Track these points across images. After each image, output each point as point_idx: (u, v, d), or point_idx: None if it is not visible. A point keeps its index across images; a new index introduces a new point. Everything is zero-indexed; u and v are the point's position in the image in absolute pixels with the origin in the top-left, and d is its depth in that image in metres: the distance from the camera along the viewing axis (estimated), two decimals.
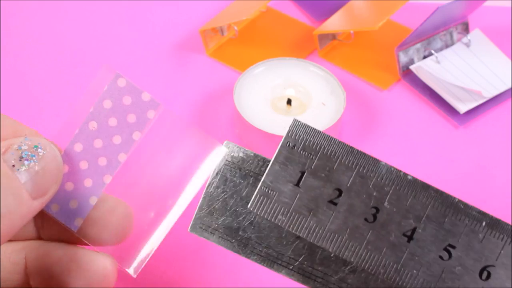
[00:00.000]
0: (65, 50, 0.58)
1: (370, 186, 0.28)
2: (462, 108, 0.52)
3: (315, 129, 0.29)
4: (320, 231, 0.29)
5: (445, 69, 0.55)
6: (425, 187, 0.28)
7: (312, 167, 0.29)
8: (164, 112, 0.30)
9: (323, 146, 0.29)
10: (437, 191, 0.28)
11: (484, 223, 0.28)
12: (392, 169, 0.29)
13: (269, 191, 0.29)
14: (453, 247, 0.27)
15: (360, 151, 0.29)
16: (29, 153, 0.28)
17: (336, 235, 0.28)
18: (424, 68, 0.54)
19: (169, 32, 0.59)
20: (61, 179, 0.29)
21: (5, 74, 0.55)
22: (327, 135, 0.29)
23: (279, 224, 0.29)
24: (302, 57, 0.56)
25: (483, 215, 0.28)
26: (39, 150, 0.28)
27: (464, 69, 0.55)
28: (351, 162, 0.29)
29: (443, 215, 0.28)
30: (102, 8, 0.61)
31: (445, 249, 0.28)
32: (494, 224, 0.28)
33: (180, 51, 0.58)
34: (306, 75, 0.52)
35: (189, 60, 0.57)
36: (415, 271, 0.28)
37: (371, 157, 0.29)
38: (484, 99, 0.53)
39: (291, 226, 0.29)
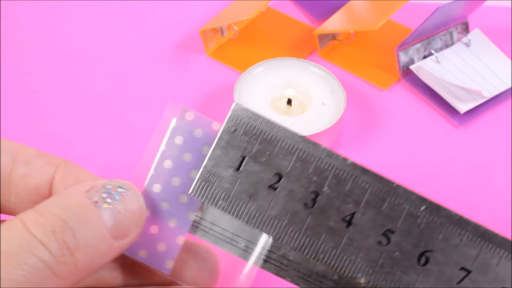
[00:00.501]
0: (65, 50, 0.58)
1: (310, 171, 0.28)
2: (462, 108, 0.52)
3: (256, 113, 0.29)
4: (260, 217, 0.29)
5: (445, 69, 0.55)
6: (365, 171, 0.28)
7: (253, 151, 0.29)
8: None
9: (264, 131, 0.28)
10: (376, 175, 0.28)
11: (423, 208, 0.27)
12: (332, 153, 0.28)
13: (210, 176, 0.29)
14: (392, 232, 0.27)
15: (301, 135, 0.28)
16: (113, 192, 0.28)
17: (276, 221, 0.28)
18: (424, 68, 0.54)
19: (169, 32, 0.59)
20: (143, 222, 0.29)
21: (5, 74, 0.55)
22: (269, 120, 0.29)
23: (219, 209, 0.29)
24: (302, 57, 0.56)
25: (422, 200, 0.27)
26: (123, 190, 0.28)
27: (464, 69, 0.55)
28: (291, 146, 0.28)
29: (382, 200, 0.27)
30: (102, 8, 0.61)
31: (384, 234, 0.27)
32: (433, 208, 0.27)
33: (180, 51, 0.58)
34: (306, 75, 0.52)
35: (189, 60, 0.57)
36: (353, 257, 0.27)
37: (311, 141, 0.28)
38: (484, 99, 0.53)
39: (232, 211, 0.29)
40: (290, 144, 0.28)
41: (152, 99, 0.54)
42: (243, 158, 0.29)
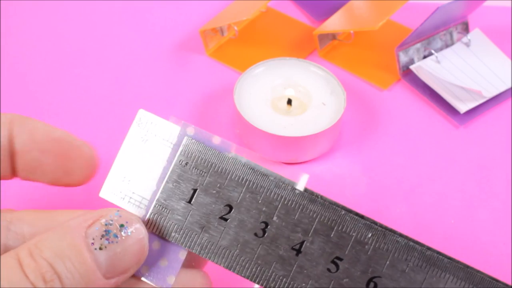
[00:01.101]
0: (65, 50, 0.58)
1: (260, 201, 0.29)
2: (462, 107, 0.52)
3: (207, 146, 0.30)
4: (212, 247, 0.29)
5: (445, 69, 0.55)
6: (313, 200, 0.29)
7: (204, 184, 0.30)
8: (237, 149, 0.30)
9: (214, 163, 0.30)
10: (323, 204, 0.29)
11: (370, 235, 0.28)
12: (281, 184, 0.29)
13: (163, 209, 0.30)
14: (340, 259, 0.28)
15: (250, 167, 0.29)
16: (113, 233, 0.28)
17: (227, 251, 0.29)
18: (424, 68, 0.54)
19: (169, 32, 0.59)
20: (144, 259, 0.29)
21: (5, 73, 0.55)
22: (219, 152, 0.30)
23: (172, 241, 0.30)
24: (302, 57, 0.56)
25: (369, 227, 0.28)
26: (124, 231, 0.28)
27: (464, 69, 0.55)
28: (240, 178, 0.29)
29: (330, 228, 0.28)
30: (102, 8, 0.61)
31: (333, 262, 0.28)
32: (380, 235, 0.28)
33: (180, 51, 0.58)
34: (307, 75, 0.52)
35: (189, 60, 0.57)
36: (304, 284, 0.28)
37: (260, 172, 0.29)
38: (484, 99, 0.53)
39: (184, 243, 0.30)
40: (240, 176, 0.29)
41: (152, 99, 0.54)
42: (195, 191, 0.30)
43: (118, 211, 0.29)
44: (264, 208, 0.29)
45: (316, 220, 0.28)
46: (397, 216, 0.47)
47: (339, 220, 0.28)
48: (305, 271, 0.28)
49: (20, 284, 0.26)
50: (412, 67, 0.55)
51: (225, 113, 0.53)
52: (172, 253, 0.30)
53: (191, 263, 0.31)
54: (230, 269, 0.29)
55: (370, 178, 0.49)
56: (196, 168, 0.30)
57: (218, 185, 0.30)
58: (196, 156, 0.30)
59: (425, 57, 0.56)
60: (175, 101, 0.54)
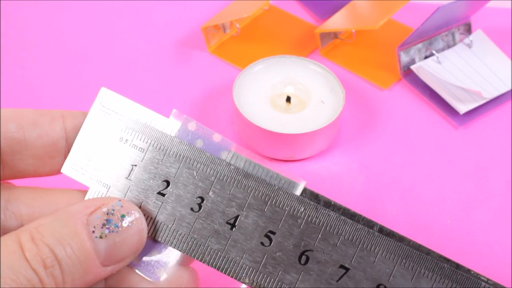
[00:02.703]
0: (68, 46, 0.58)
1: (196, 177, 0.29)
2: (462, 108, 0.52)
3: (146, 125, 0.31)
4: (150, 222, 0.30)
5: (446, 69, 0.55)
6: (247, 175, 0.29)
7: (142, 160, 0.30)
8: (237, 148, 0.30)
9: (152, 141, 0.30)
10: (257, 179, 0.29)
11: (302, 209, 0.28)
12: (216, 159, 0.30)
13: (101, 186, 0.31)
14: (274, 233, 0.29)
15: (188, 143, 0.30)
16: (113, 222, 0.28)
17: (165, 225, 0.30)
18: (425, 68, 0.54)
19: (172, 29, 0.60)
20: (141, 250, 0.30)
21: (5, 73, 0.56)
22: (158, 130, 0.30)
23: None
24: (303, 55, 0.56)
25: (301, 202, 0.29)
26: (125, 221, 0.29)
27: (465, 70, 0.55)
28: (178, 154, 0.30)
29: (264, 202, 0.29)
30: (105, 5, 0.62)
31: (266, 236, 0.29)
32: (313, 210, 0.28)
33: (182, 48, 0.58)
34: (306, 73, 0.52)
35: (191, 57, 0.57)
36: (238, 258, 0.29)
37: (196, 148, 0.30)
38: (484, 100, 0.53)
39: None
40: (177, 152, 0.30)
41: (154, 95, 0.54)
42: (133, 167, 0.30)
43: (120, 200, 0.29)
44: (200, 184, 0.29)
45: (251, 195, 0.29)
46: (393, 215, 0.47)
47: (272, 195, 0.29)
48: (239, 245, 0.29)
49: (21, 269, 0.26)
50: (413, 67, 0.55)
51: (225, 110, 0.53)
52: (163, 247, 0.31)
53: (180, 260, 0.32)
54: (167, 244, 0.30)
55: (367, 176, 0.49)
56: (135, 145, 0.31)
57: (156, 161, 0.30)
58: (136, 134, 0.31)
59: (426, 57, 0.56)
60: (175, 96, 0.54)
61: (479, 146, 0.51)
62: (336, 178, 0.49)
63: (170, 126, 0.31)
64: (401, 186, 0.48)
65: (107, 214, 0.28)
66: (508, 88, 0.54)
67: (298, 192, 0.29)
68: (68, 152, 0.32)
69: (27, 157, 0.31)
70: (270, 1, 0.61)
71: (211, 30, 0.57)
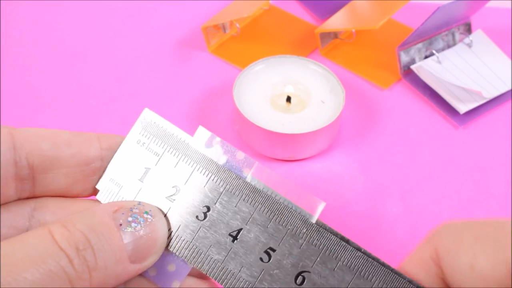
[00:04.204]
0: (68, 46, 0.58)
1: (205, 187, 0.30)
2: (462, 108, 0.52)
3: (162, 125, 0.31)
4: None
5: (446, 69, 0.55)
6: (255, 191, 0.30)
7: (156, 164, 0.31)
8: (258, 167, 0.31)
9: (168, 146, 0.31)
10: (265, 196, 0.29)
11: (304, 230, 0.29)
12: (226, 170, 0.30)
13: (114, 185, 0.31)
14: (274, 250, 0.29)
15: (201, 153, 0.30)
16: (138, 217, 0.29)
17: (170, 231, 0.30)
18: (425, 68, 0.54)
19: (172, 29, 0.60)
20: (163, 250, 0.30)
21: (5, 73, 0.56)
22: (172, 132, 0.31)
23: None
24: (304, 55, 0.56)
25: (304, 222, 0.29)
26: (148, 216, 0.29)
27: (465, 69, 0.55)
28: (190, 164, 0.30)
29: (268, 219, 0.29)
30: (105, 5, 0.62)
31: (266, 252, 0.29)
32: (314, 231, 0.29)
33: (182, 47, 0.58)
34: (306, 73, 0.52)
35: (191, 56, 0.57)
36: (236, 270, 0.29)
37: (208, 158, 0.30)
38: (484, 100, 0.53)
39: None
40: (189, 162, 0.30)
41: (154, 94, 0.54)
42: (147, 170, 0.31)
43: (139, 203, 0.30)
44: (208, 193, 0.30)
45: (256, 210, 0.29)
46: (393, 215, 0.47)
47: (277, 213, 0.29)
48: (238, 258, 0.29)
49: (49, 250, 0.26)
50: (413, 67, 0.55)
51: (225, 110, 0.53)
52: (180, 260, 0.31)
53: (199, 272, 0.32)
54: (170, 248, 0.30)
55: (367, 176, 0.49)
56: (149, 150, 0.31)
57: (169, 167, 0.31)
58: (153, 138, 0.31)
59: (426, 57, 0.56)
60: (175, 96, 0.54)
61: (479, 146, 0.51)
62: (336, 178, 0.49)
63: (195, 142, 0.31)
64: (401, 186, 0.48)
65: (131, 210, 0.29)
66: (508, 88, 0.54)
67: (316, 217, 0.30)
68: (103, 171, 0.32)
69: (59, 175, 0.31)
70: (270, 1, 0.61)
71: (211, 30, 0.57)
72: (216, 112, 0.53)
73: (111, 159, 0.32)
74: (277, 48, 0.58)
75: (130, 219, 0.28)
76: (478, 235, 0.25)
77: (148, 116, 0.32)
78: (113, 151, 0.32)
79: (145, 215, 0.29)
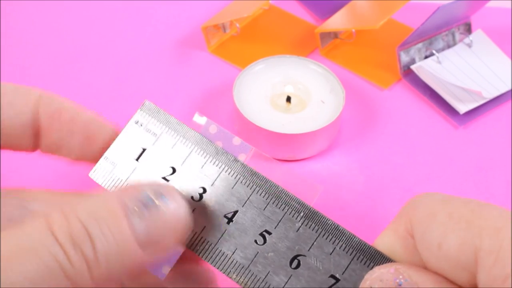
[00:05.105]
0: (68, 45, 0.58)
1: (202, 168, 0.30)
2: (462, 108, 0.52)
3: (161, 112, 0.31)
4: None
5: (446, 69, 0.55)
6: (253, 173, 0.29)
7: (153, 144, 0.31)
8: (255, 153, 0.31)
9: (164, 129, 0.31)
10: (263, 179, 0.29)
11: (302, 214, 0.28)
12: (225, 152, 0.30)
13: (108, 163, 0.31)
14: (269, 233, 0.28)
15: (197, 133, 0.30)
16: (152, 203, 0.26)
17: None
18: (425, 68, 0.54)
19: (172, 28, 0.60)
20: (183, 237, 0.28)
21: (5, 73, 0.56)
22: (171, 118, 0.31)
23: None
24: (303, 55, 0.56)
25: (302, 205, 0.29)
26: (164, 200, 0.27)
27: (465, 69, 0.55)
28: (188, 145, 0.30)
29: (265, 202, 0.29)
30: (105, 5, 0.62)
31: (261, 234, 0.28)
32: (311, 215, 0.28)
33: (182, 47, 0.58)
34: (306, 73, 0.52)
35: (191, 56, 0.57)
36: (229, 252, 0.29)
37: (207, 140, 0.30)
38: (484, 100, 0.53)
39: None
40: (186, 143, 0.30)
41: (154, 94, 0.54)
42: (144, 150, 0.31)
43: (158, 185, 0.28)
44: (205, 175, 0.30)
45: (253, 192, 0.29)
46: (393, 215, 0.46)
47: (274, 196, 0.29)
48: (233, 240, 0.29)
49: (45, 242, 0.24)
50: (413, 66, 0.55)
51: (225, 110, 0.53)
52: None
53: (190, 256, 0.31)
54: None
55: (367, 176, 0.49)
56: (148, 130, 0.31)
57: (167, 147, 0.30)
58: (151, 119, 0.31)
59: (426, 57, 0.56)
60: (176, 96, 0.54)
61: (479, 146, 0.51)
62: (336, 178, 0.49)
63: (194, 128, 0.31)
64: (401, 186, 0.48)
65: (145, 195, 0.27)
66: (508, 88, 0.54)
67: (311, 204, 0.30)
68: (36, 136, 0.31)
69: None
70: (270, 1, 0.61)
71: (211, 30, 0.57)
72: (216, 112, 0.53)
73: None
74: (277, 48, 0.58)
75: (142, 205, 0.26)
76: (453, 213, 0.24)
77: (148, 104, 0.32)
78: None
79: (161, 200, 0.27)
